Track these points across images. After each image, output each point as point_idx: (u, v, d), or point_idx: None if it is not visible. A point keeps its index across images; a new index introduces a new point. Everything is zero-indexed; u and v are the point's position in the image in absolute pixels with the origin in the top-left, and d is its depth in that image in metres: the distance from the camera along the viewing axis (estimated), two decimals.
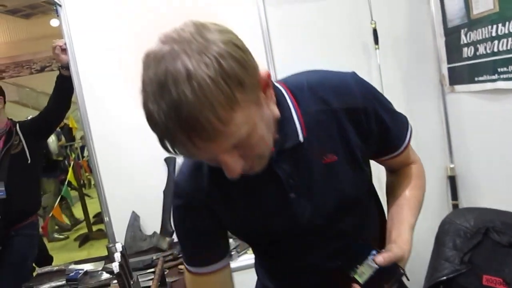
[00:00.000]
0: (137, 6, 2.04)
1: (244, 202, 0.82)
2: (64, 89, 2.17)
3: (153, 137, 2.24)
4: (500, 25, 1.68)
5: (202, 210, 0.83)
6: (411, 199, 0.90)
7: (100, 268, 1.93)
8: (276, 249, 0.89)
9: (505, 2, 1.64)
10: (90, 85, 2.07)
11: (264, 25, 2.10)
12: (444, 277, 1.43)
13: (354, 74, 0.81)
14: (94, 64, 2.07)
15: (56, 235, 5.12)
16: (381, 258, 0.75)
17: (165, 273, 1.71)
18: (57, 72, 2.23)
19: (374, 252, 0.78)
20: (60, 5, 2.01)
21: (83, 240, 4.93)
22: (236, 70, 0.58)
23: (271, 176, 0.77)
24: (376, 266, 0.76)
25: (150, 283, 1.62)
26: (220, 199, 0.82)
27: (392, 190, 0.94)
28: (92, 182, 7.11)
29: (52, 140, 4.75)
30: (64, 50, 2.05)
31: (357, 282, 0.77)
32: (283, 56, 2.11)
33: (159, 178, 2.09)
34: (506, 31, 1.65)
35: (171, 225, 2.04)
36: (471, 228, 1.48)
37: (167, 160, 2.11)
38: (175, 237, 2.04)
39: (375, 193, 0.98)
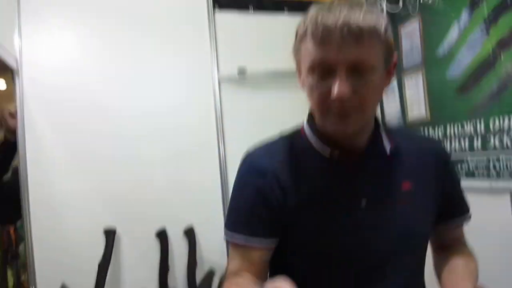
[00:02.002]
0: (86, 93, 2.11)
1: (313, 196, 0.79)
2: (6, 153, 2.09)
3: (95, 207, 2.19)
4: (430, 129, 1.88)
5: (269, 181, 0.79)
6: (471, 269, 0.83)
7: None
8: (327, 275, 0.80)
9: (436, 110, 1.87)
10: (34, 152, 2.03)
11: (218, 108, 2.27)
12: None
13: None
14: (41, 134, 2.05)
15: None
16: None
17: None
18: None
19: None
20: (18, 75, 2.02)
21: None
22: (388, 27, 0.73)
23: (348, 178, 0.79)
24: None
25: None
26: (290, 180, 0.78)
27: (446, 261, 0.87)
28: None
29: None
30: (13, 116, 2.01)
31: None
32: (234, 138, 2.27)
33: (95, 250, 2.01)
34: (436, 137, 1.85)
35: None
36: None
37: (106, 232, 2.04)
38: None
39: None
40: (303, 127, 0.85)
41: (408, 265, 0.82)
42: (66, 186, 2.05)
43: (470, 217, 0.93)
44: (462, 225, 0.93)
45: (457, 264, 0.85)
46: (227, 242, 0.84)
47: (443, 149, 0.92)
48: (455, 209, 0.91)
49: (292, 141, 0.84)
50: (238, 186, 0.84)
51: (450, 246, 0.93)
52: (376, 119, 0.84)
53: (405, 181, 0.81)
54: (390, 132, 0.85)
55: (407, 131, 0.90)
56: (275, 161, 0.81)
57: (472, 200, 0.95)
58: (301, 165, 0.80)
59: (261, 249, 0.80)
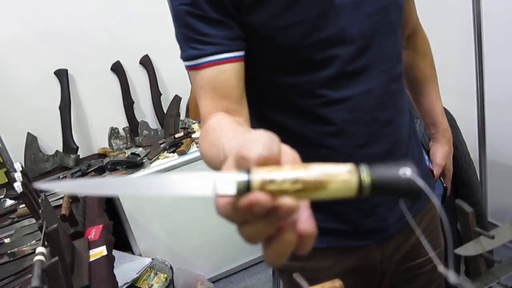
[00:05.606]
0: None
1: None
2: None
3: (40, 48, 2.03)
4: None
5: None
6: (435, 81, 0.97)
7: (3, 196, 1.81)
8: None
9: None
10: None
11: None
12: None
13: None
14: None
15: None
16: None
17: None
18: None
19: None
20: None
21: None
22: None
23: None
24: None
25: (61, 201, 1.56)
26: None
27: (414, 71, 0.96)
28: None
29: None
30: None
31: None
32: None
33: (52, 94, 1.94)
34: None
35: (73, 141, 1.94)
36: None
37: (57, 73, 1.93)
38: (80, 153, 1.96)
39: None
40: None
41: (389, 46, 0.73)
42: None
43: None
44: None
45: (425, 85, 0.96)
46: (190, 75, 0.70)
47: None
48: None
49: None
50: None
51: (408, 28, 0.89)
52: None
53: None
54: None
55: None
56: None
57: None
58: None
59: (230, 61, 0.65)
